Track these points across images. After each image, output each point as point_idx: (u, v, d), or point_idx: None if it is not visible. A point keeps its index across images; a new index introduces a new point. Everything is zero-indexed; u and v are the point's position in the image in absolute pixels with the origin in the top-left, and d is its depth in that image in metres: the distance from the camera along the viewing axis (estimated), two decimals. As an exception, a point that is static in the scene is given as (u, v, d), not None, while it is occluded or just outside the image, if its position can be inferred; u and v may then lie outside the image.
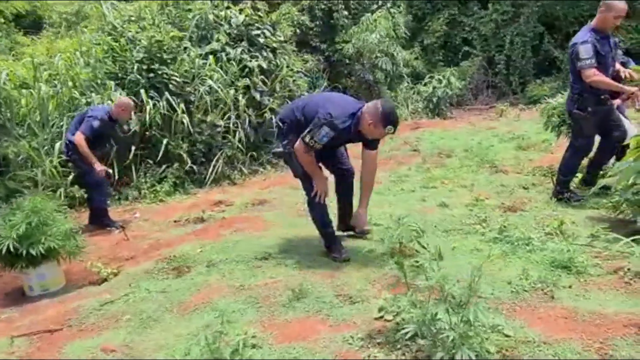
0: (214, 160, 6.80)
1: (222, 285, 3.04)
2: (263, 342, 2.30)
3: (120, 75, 6.54)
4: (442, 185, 5.40)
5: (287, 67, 8.31)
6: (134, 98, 6.34)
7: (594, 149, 4.35)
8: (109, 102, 6.12)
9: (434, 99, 11.57)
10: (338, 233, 3.58)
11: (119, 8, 7.43)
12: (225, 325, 2.09)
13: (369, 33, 10.88)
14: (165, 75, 6.57)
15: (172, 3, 8.04)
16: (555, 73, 12.92)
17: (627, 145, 3.77)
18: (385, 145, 7.73)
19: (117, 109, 4.91)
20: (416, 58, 13.78)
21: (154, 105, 6.36)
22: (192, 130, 6.65)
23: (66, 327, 2.76)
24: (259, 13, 8.14)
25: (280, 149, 3.37)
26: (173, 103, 6.49)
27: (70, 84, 6.30)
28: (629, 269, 2.79)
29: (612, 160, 4.44)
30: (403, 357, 2.05)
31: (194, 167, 6.64)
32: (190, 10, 7.87)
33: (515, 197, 4.63)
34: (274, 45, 8.19)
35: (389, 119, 3.01)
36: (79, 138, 4.68)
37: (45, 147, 5.79)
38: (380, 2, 12.30)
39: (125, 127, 6.34)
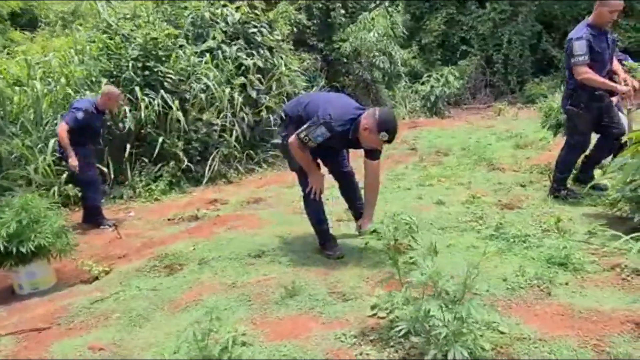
0: (210, 158, 6.76)
1: (214, 283, 3.00)
2: (254, 340, 2.26)
3: (115, 73, 6.49)
4: (438, 183, 5.36)
5: (284, 65, 8.27)
6: (129, 96, 6.32)
7: (591, 146, 4.31)
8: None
9: (432, 98, 11.53)
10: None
11: (114, 6, 7.39)
12: (214, 322, 2.03)
13: (366, 32, 10.85)
14: (160, 73, 6.53)
15: (167, 2, 8.00)
16: (553, 72, 12.91)
17: (625, 143, 3.74)
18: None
19: (102, 98, 4.82)
20: (414, 57, 13.76)
21: (149, 103, 6.32)
22: (187, 128, 6.60)
23: (55, 326, 2.71)
24: (256, 11, 8.09)
25: (279, 141, 3.34)
26: (168, 101, 6.44)
27: (64, 81, 6.25)
28: (626, 266, 2.75)
29: (610, 158, 4.41)
30: (396, 355, 2.01)
31: (190, 165, 6.59)
32: (186, 8, 7.82)
33: (512, 194, 4.59)
34: (271, 43, 8.14)
35: (384, 126, 2.93)
36: (61, 129, 4.62)
37: (39, 146, 5.75)
38: (377, 1, 12.26)
39: (121, 125, 6.31)
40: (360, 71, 11.40)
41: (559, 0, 12.58)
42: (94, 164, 5.06)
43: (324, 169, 3.48)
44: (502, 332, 2.16)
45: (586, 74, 3.81)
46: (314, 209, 3.34)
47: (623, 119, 4.45)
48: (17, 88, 6.17)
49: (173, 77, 6.60)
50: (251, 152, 7.56)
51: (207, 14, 7.59)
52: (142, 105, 6.18)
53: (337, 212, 4.23)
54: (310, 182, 3.25)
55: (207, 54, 7.24)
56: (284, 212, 4.66)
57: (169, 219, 4.85)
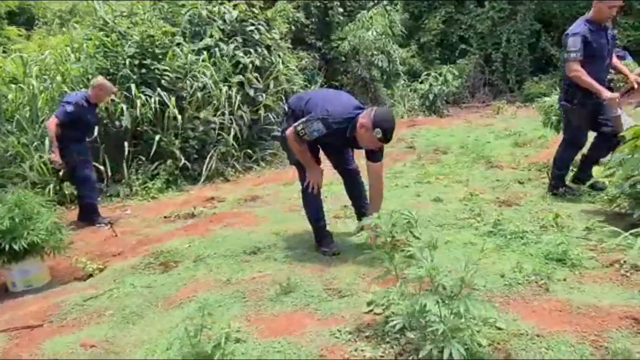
0: (208, 157, 6.72)
1: (209, 279, 2.96)
2: (247, 336, 2.23)
3: (111, 70, 6.45)
4: (436, 181, 5.33)
5: (282, 64, 8.24)
6: (126, 93, 6.28)
7: (589, 144, 4.28)
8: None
9: (431, 97, 11.51)
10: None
11: (111, 4, 7.34)
12: (206, 317, 2.00)
13: (364, 30, 10.82)
14: (157, 71, 6.49)
15: (165, 0, 7.96)
16: (552, 71, 12.89)
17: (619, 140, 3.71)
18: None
19: (94, 90, 4.77)
20: (413, 56, 13.74)
21: (146, 101, 6.28)
22: (184, 126, 6.57)
23: (47, 323, 2.68)
24: (254, 9, 8.06)
25: (279, 134, 3.32)
26: (165, 99, 6.40)
27: (60, 79, 6.22)
28: (625, 262, 2.71)
29: (609, 156, 4.37)
30: (391, 351, 1.98)
31: (188, 163, 6.56)
32: (183, 5, 7.79)
33: (511, 191, 4.57)
34: (269, 41, 8.11)
35: (379, 123, 2.88)
36: (50, 122, 4.59)
37: (35, 143, 5.72)
38: (376, 0, 12.23)
39: (117, 123, 6.28)
40: (358, 70, 11.38)
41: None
42: (90, 162, 5.02)
43: (327, 165, 3.45)
44: (499, 328, 2.13)
45: (576, 71, 3.80)
46: (312, 205, 3.31)
47: (622, 114, 4.42)
48: (12, 86, 6.13)
49: (170, 74, 6.57)
50: (249, 150, 7.52)
51: (204, 12, 7.56)
52: (139, 102, 6.14)
53: (334, 209, 4.21)
54: (308, 176, 3.22)
55: (205, 52, 7.21)
56: (280, 209, 4.63)
57: (165, 217, 4.82)
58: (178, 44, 7.02)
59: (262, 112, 7.66)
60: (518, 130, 7.88)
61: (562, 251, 2.85)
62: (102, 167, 5.91)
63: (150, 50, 6.54)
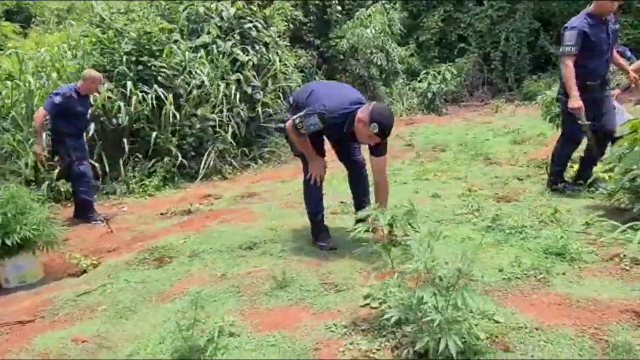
0: (205, 154, 6.68)
1: (204, 274, 2.93)
2: (241, 330, 2.19)
3: (108, 67, 6.41)
4: (435, 178, 5.30)
5: (280, 61, 8.20)
6: (123, 90, 6.24)
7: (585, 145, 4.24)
8: (97, 93, 6.03)
9: (429, 95, 11.47)
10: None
11: (108, 3, 7.31)
12: (199, 311, 1.97)
13: (363, 28, 10.78)
14: (154, 68, 6.45)
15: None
16: (550, 69, 12.86)
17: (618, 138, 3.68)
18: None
19: (84, 82, 4.75)
20: (411, 55, 13.70)
21: (143, 98, 6.24)
22: (181, 123, 6.53)
23: (39, 318, 2.64)
24: (251, 6, 8.02)
25: (283, 125, 3.29)
26: (162, 96, 6.36)
27: (55, 76, 6.18)
28: (625, 256, 2.68)
29: (607, 153, 4.33)
30: (387, 344, 1.94)
31: (185, 161, 6.52)
32: (181, 2, 7.75)
33: (509, 187, 4.54)
34: (266, 39, 8.07)
35: (375, 118, 2.84)
36: (37, 113, 4.59)
37: (30, 140, 5.66)
38: (374, -2, 12.22)
39: (114, 120, 6.24)
40: (357, 68, 11.34)
41: (557, -2, 12.54)
42: (86, 158, 4.99)
43: (331, 158, 3.40)
44: (497, 322, 2.10)
45: (566, 66, 3.80)
46: (313, 197, 3.27)
47: (620, 109, 4.40)
48: (8, 83, 6.08)
49: (167, 71, 6.53)
50: (246, 148, 7.48)
51: (201, 9, 7.52)
52: (135, 99, 6.10)
53: (333, 205, 4.17)
54: (310, 168, 3.20)
55: (202, 50, 7.16)
56: (277, 206, 4.59)
57: (161, 214, 4.78)
58: (175, 41, 6.98)
59: (259, 109, 7.61)
60: (517, 128, 7.86)
61: (561, 245, 2.82)
62: (97, 165, 5.85)
63: (147, 47, 6.50)
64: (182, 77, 6.69)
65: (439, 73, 11.81)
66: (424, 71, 12.30)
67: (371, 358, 1.87)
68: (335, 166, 3.70)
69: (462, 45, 13.90)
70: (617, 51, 4.44)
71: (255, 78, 7.63)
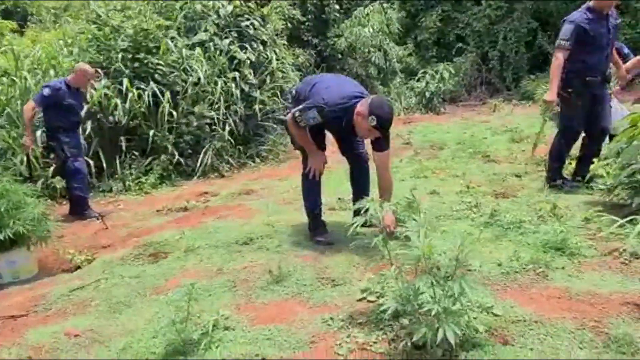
0: (202, 152, 6.64)
1: (199, 269, 2.89)
2: (236, 324, 2.16)
3: (104, 64, 6.37)
4: (433, 175, 5.27)
5: (277, 60, 8.17)
6: (120, 87, 6.20)
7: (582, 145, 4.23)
8: (93, 90, 6.00)
9: (427, 94, 11.45)
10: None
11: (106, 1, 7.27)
12: (192, 303, 1.93)
13: (361, 27, 10.76)
14: (150, 65, 6.41)
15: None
16: (548, 69, 12.78)
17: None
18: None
19: (75, 75, 4.72)
20: (409, 54, 13.68)
21: (139, 95, 6.21)
22: (178, 121, 6.49)
23: (32, 313, 2.61)
24: (249, 4, 7.99)
25: (285, 117, 3.26)
26: (158, 93, 6.32)
27: (53, 73, 6.13)
28: (624, 250, 2.66)
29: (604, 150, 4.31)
30: (384, 337, 1.91)
31: (181, 159, 6.48)
32: (177, 0, 7.71)
33: (508, 184, 4.51)
34: (264, 37, 8.04)
35: (374, 111, 2.81)
36: (26, 106, 4.58)
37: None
38: (372, -2, 12.21)
39: (110, 117, 6.20)
40: (355, 67, 11.32)
41: (555, -2, 12.54)
42: (81, 155, 4.94)
43: (331, 154, 3.37)
44: (495, 315, 2.07)
45: (555, 59, 3.81)
46: (311, 191, 3.24)
47: (618, 105, 4.39)
48: (4, 79, 6.04)
49: (164, 68, 6.49)
50: (244, 146, 7.44)
51: (198, 6, 7.48)
52: (131, 96, 6.06)
53: (331, 202, 4.14)
54: (310, 161, 3.17)
55: (199, 47, 7.12)
56: (275, 202, 4.55)
57: (157, 211, 4.74)
58: (172, 38, 6.94)
59: (257, 108, 7.57)
60: (515, 126, 7.84)
61: (560, 240, 2.79)
62: (91, 162, 5.81)
63: (144, 44, 6.46)
64: (178, 74, 6.64)
65: (436, 72, 11.79)
66: (422, 70, 12.27)
67: (368, 350, 1.84)
68: (335, 164, 3.66)
69: (460, 45, 13.86)
70: (615, 48, 4.43)
71: (252, 76, 7.59)
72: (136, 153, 6.34)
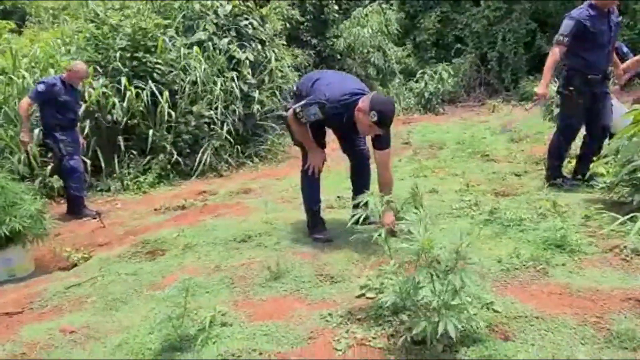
0: (200, 152, 6.61)
1: (197, 266, 2.87)
2: (234, 320, 2.13)
3: (103, 63, 6.35)
4: (432, 174, 5.26)
5: (276, 59, 8.15)
6: (118, 86, 6.17)
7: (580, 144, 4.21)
8: (92, 89, 5.97)
9: (426, 95, 11.43)
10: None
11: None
12: (189, 299, 1.91)
13: (360, 28, 10.75)
14: (149, 64, 6.39)
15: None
16: (547, 68, 12.80)
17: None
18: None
19: (69, 72, 4.74)
20: (408, 55, 13.65)
21: (137, 94, 6.18)
22: (177, 120, 6.46)
23: (27, 310, 2.58)
24: (248, 3, 7.97)
25: (285, 113, 3.24)
26: (157, 92, 6.30)
27: (52, 71, 6.10)
28: (625, 247, 2.63)
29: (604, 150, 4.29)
30: (383, 332, 1.89)
31: (180, 158, 6.45)
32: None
33: (507, 183, 4.50)
34: (262, 36, 8.03)
35: (375, 106, 2.78)
36: (21, 102, 4.60)
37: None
38: (371, -1, 12.20)
39: (109, 117, 6.17)
40: (354, 67, 11.31)
41: (553, -1, 12.53)
42: (78, 153, 4.91)
43: (331, 151, 3.34)
44: (496, 311, 2.05)
45: (552, 54, 3.80)
46: (310, 187, 3.22)
47: (616, 103, 4.38)
48: (1, 78, 6.01)
49: (162, 67, 6.46)
50: (242, 146, 7.42)
51: (197, 6, 7.46)
52: (129, 95, 6.03)
53: (329, 200, 4.12)
54: (309, 158, 3.14)
55: (196, 46, 7.09)
56: (273, 201, 4.53)
57: (155, 209, 4.71)
58: (170, 38, 6.92)
59: (255, 107, 7.55)
60: (514, 126, 7.82)
61: (560, 237, 2.76)
62: (88, 161, 5.77)
63: (142, 43, 6.44)
64: (177, 73, 6.62)
65: (435, 73, 11.78)
66: (421, 71, 12.25)
67: (367, 346, 1.81)
68: (334, 163, 3.64)
69: (459, 45, 13.84)
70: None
71: (251, 76, 7.57)
72: (134, 152, 6.32)
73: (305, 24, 11.13)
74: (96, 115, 6.12)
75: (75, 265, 3.30)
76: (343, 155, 3.53)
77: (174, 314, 1.93)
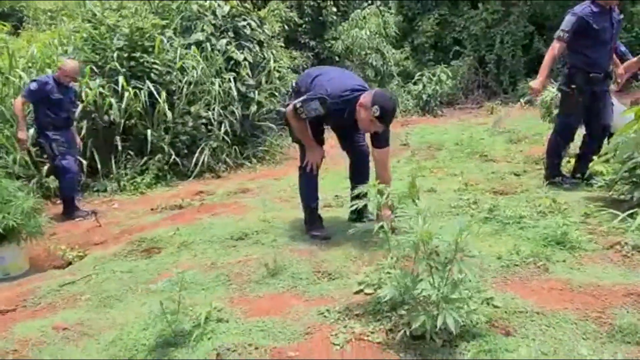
0: (198, 152, 6.58)
1: (193, 264, 2.83)
2: (230, 317, 2.10)
3: (100, 63, 6.32)
4: (431, 174, 5.24)
5: (274, 60, 8.13)
6: (115, 86, 6.14)
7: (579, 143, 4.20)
8: (88, 89, 5.94)
9: (424, 97, 11.43)
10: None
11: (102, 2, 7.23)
12: (183, 294, 1.87)
13: (358, 30, 10.75)
14: (146, 64, 6.36)
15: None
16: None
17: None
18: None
19: (60, 71, 4.69)
20: (406, 58, 13.66)
21: (135, 94, 6.15)
22: (175, 121, 6.43)
23: (20, 308, 2.54)
24: (245, 4, 7.96)
25: (283, 109, 3.21)
26: (155, 93, 6.27)
27: (49, 71, 6.06)
28: (626, 243, 2.61)
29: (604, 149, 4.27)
30: (382, 327, 1.86)
31: (177, 159, 6.41)
32: (174, 0, 7.67)
33: (506, 182, 4.47)
34: (261, 37, 8.01)
35: (377, 101, 2.76)
36: (16, 100, 4.60)
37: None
38: (370, 0, 12.18)
39: (106, 117, 6.14)
40: (352, 69, 11.29)
41: (552, 1, 12.55)
42: (72, 153, 4.86)
43: (329, 148, 3.31)
44: (496, 306, 2.02)
45: (551, 49, 3.79)
46: (308, 185, 3.19)
47: (616, 102, 4.36)
48: (-2, 77, 5.99)
49: (160, 68, 6.43)
50: (240, 147, 7.38)
51: (195, 7, 7.45)
52: (127, 95, 6.00)
53: (327, 199, 4.09)
54: (307, 155, 3.12)
55: (194, 46, 7.06)
56: (271, 200, 4.50)
57: (151, 209, 4.67)
58: (169, 38, 6.90)
59: (253, 108, 7.53)
60: (512, 128, 7.82)
61: (560, 234, 2.74)
62: (84, 162, 5.73)
63: (139, 43, 6.41)
64: (175, 73, 6.59)
65: (434, 75, 11.78)
66: (419, 73, 12.25)
67: (365, 340, 1.78)
68: (332, 161, 3.61)
69: (457, 48, 13.86)
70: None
71: (249, 76, 7.55)
72: (131, 153, 6.27)
73: (304, 26, 11.13)
74: (93, 115, 6.09)
75: (70, 263, 3.26)
76: (341, 154, 3.51)
77: (168, 310, 1.89)
